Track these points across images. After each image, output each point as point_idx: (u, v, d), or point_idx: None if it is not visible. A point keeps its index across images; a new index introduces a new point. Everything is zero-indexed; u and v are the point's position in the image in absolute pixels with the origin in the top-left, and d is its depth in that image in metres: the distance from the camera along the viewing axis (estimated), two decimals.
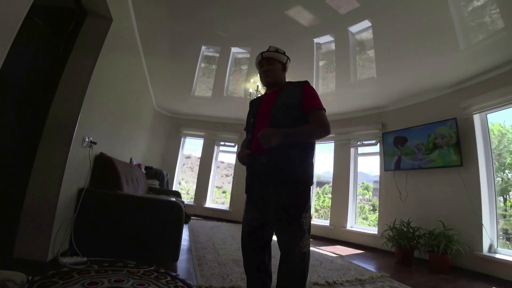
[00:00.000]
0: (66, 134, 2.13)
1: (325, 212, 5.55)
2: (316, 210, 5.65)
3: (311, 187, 1.47)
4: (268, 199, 1.40)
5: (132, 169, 3.77)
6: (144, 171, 4.83)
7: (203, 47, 4.47)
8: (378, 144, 4.53)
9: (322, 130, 1.38)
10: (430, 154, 3.54)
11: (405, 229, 3.43)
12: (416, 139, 3.74)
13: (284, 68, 1.66)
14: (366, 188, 5.63)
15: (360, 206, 5.18)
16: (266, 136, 1.29)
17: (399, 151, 3.95)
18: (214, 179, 6.42)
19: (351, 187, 4.82)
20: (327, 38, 3.75)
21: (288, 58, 1.67)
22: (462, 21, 2.70)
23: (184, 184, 7.39)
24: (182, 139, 6.54)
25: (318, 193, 5.89)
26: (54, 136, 2.10)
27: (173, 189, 6.16)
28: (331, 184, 5.38)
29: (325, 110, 1.45)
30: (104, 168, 2.69)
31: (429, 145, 3.57)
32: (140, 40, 3.48)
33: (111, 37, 2.44)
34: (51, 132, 2.09)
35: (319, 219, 5.47)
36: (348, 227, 4.69)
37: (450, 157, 3.30)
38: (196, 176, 6.43)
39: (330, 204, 5.18)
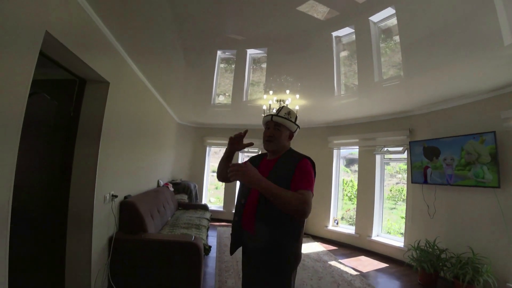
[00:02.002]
0: (88, 201, 2.35)
1: (350, 218, 5.40)
2: (342, 218, 5.52)
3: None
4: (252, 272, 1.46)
5: (158, 196, 4.01)
6: (172, 189, 5.10)
7: (219, 52, 4.40)
8: (406, 152, 4.19)
9: (300, 204, 1.20)
10: (462, 171, 3.18)
11: (430, 250, 3.23)
12: (447, 152, 3.37)
13: (291, 136, 1.60)
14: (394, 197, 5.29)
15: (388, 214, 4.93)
16: (241, 170, 1.22)
17: (429, 163, 3.62)
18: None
19: (377, 196, 4.64)
20: (346, 30, 3.43)
21: (298, 127, 1.60)
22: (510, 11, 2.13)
23: (214, 191, 7.62)
24: (207, 148, 6.70)
25: (343, 198, 5.70)
26: (79, 203, 2.34)
27: (203, 198, 6.44)
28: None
29: (312, 194, 1.32)
30: (129, 214, 2.91)
31: (461, 160, 3.20)
32: (144, 75, 3.53)
33: (113, 89, 2.57)
34: (76, 196, 2.34)
35: (344, 225, 5.39)
36: (374, 236, 4.58)
37: (484, 176, 2.93)
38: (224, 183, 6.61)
39: (355, 213, 5.06)
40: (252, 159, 1.70)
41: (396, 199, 5.05)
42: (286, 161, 1.47)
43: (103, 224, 2.58)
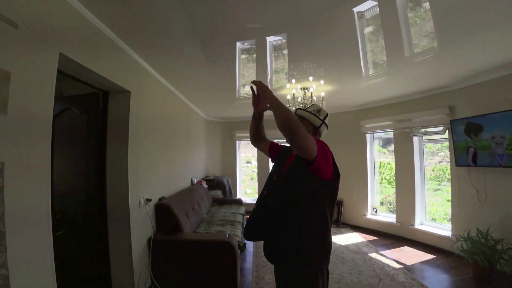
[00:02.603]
0: (123, 207, 2.48)
1: (391, 205, 5.06)
2: (382, 203, 5.20)
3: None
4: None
5: (192, 194, 4.12)
6: (206, 186, 5.22)
7: (238, 43, 4.29)
8: (446, 132, 3.77)
9: (291, 120, 1.18)
10: None
11: (483, 241, 2.89)
12: (494, 129, 2.94)
13: (315, 132, 1.51)
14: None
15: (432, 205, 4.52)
16: (262, 85, 1.35)
17: (472, 142, 3.22)
18: None
19: (418, 181, 4.28)
20: (369, 3, 3.11)
21: (324, 123, 1.50)
22: None
23: (249, 182, 7.67)
24: (237, 142, 6.73)
25: (381, 181, 5.34)
26: (116, 209, 2.48)
27: (238, 192, 6.53)
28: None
29: (314, 142, 1.24)
30: (164, 215, 3.03)
31: None
32: (166, 79, 3.56)
33: (135, 97, 2.65)
34: (112, 202, 2.49)
35: (384, 213, 5.06)
36: (417, 225, 4.25)
37: None
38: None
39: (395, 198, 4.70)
40: (287, 148, 1.64)
41: (440, 179, 4.61)
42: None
43: (141, 226, 2.70)
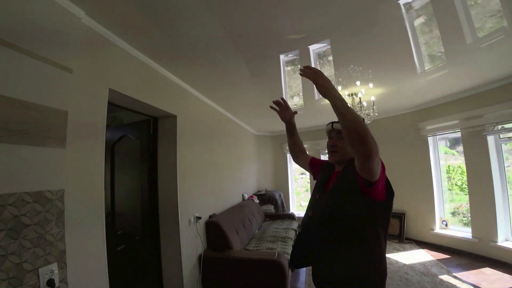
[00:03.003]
0: (173, 226, 2.62)
1: (464, 217, 4.26)
2: (453, 214, 4.42)
3: None
4: None
5: (243, 210, 4.16)
6: (257, 201, 5.22)
7: (281, 56, 4.29)
8: None
9: (360, 123, 1.00)
10: None
11: None
12: None
13: None
14: None
15: None
16: (314, 72, 1.11)
17: None
18: None
19: (498, 187, 3.55)
20: None
21: None
22: None
23: (304, 194, 7.44)
24: (288, 155, 6.64)
25: (451, 188, 4.57)
26: (167, 227, 2.64)
27: (291, 206, 6.38)
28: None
29: (379, 160, 1.09)
30: (214, 232, 3.10)
31: None
32: (212, 100, 3.73)
33: (182, 120, 2.82)
34: (164, 221, 2.65)
35: (457, 226, 4.29)
36: (501, 241, 3.48)
37: None
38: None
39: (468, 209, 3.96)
40: (328, 164, 1.53)
41: None
42: (348, 167, 1.26)
43: (191, 244, 2.82)
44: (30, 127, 1.26)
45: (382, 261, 1.18)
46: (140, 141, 2.67)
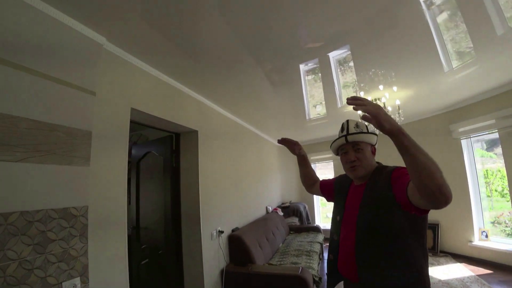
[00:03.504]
0: (196, 239, 2.63)
1: (507, 226, 3.83)
2: (493, 223, 3.99)
3: None
4: None
5: (266, 223, 4.09)
6: (281, 213, 5.13)
7: (301, 66, 4.26)
8: None
9: (441, 175, 0.83)
10: None
11: None
12: None
13: (374, 150, 1.30)
14: None
15: None
16: (375, 107, 0.88)
17: None
18: None
19: None
20: None
21: (377, 135, 1.30)
22: None
23: (330, 205, 7.20)
24: (312, 165, 6.47)
25: (490, 194, 4.14)
26: (189, 241, 2.66)
27: (316, 218, 6.18)
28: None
29: None
30: (236, 247, 3.08)
31: None
32: (234, 114, 3.78)
33: (203, 135, 2.88)
34: (187, 235, 2.67)
35: (499, 237, 3.86)
36: None
37: None
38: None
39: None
40: (341, 180, 1.47)
41: None
42: (376, 184, 1.17)
43: (213, 258, 2.81)
44: (57, 147, 1.35)
45: (427, 275, 1.08)
46: (163, 156, 2.76)
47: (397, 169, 1.12)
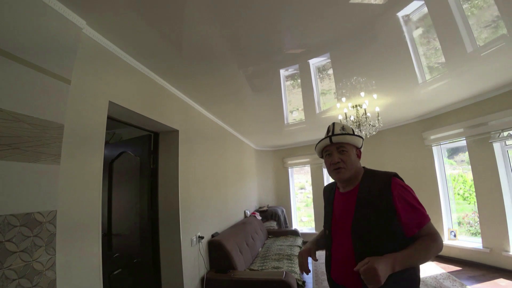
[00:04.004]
0: (175, 246, 2.45)
1: (472, 226, 4.14)
2: (458, 224, 4.27)
3: None
4: None
5: (245, 228, 3.97)
6: (259, 218, 5.04)
7: (281, 71, 4.25)
8: None
9: (438, 249, 1.03)
10: None
11: None
12: None
13: (359, 153, 1.26)
14: None
15: None
16: (373, 275, 0.91)
17: None
18: None
19: (507, 194, 3.44)
20: (414, 5, 2.78)
21: (362, 138, 1.26)
22: None
23: (304, 209, 7.27)
24: (289, 169, 6.51)
25: (455, 197, 4.45)
26: (168, 248, 2.47)
27: (293, 221, 6.18)
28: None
29: (430, 218, 1.08)
30: (217, 252, 2.94)
31: None
32: (215, 116, 3.65)
33: (184, 135, 2.72)
34: (164, 241, 2.47)
35: (466, 237, 4.14)
36: None
37: None
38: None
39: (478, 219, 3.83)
40: (326, 190, 1.41)
41: None
42: (371, 189, 1.13)
43: (194, 265, 2.64)
44: (22, 141, 1.14)
45: (419, 270, 1.11)
46: (140, 157, 2.55)
47: (395, 181, 1.09)
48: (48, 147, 1.25)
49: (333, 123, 1.26)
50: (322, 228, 1.40)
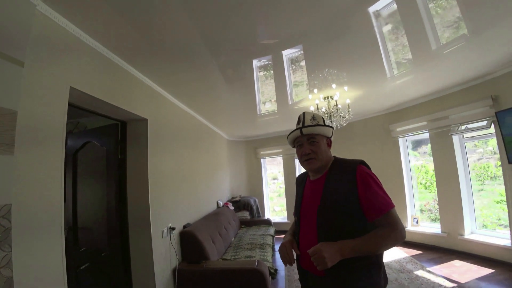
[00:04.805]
0: (145, 238, 2.39)
1: (432, 213, 4.53)
2: (420, 211, 4.66)
3: None
4: None
5: (218, 218, 3.98)
6: (232, 208, 5.07)
7: (254, 61, 4.23)
8: (492, 125, 3.36)
9: (397, 238, 1.04)
10: None
11: None
12: None
13: (329, 143, 1.30)
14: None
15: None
16: (319, 257, 0.99)
17: None
18: None
19: (463, 184, 3.80)
20: (384, 1, 2.91)
21: (332, 128, 1.30)
22: None
23: (277, 199, 7.42)
24: (262, 160, 6.57)
25: (418, 186, 4.84)
26: (138, 240, 2.40)
27: (266, 211, 6.30)
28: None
29: (394, 206, 1.09)
30: (189, 243, 2.91)
31: None
32: (185, 104, 3.56)
33: (153, 124, 2.65)
34: (134, 234, 2.41)
35: (427, 223, 4.52)
36: (467, 234, 3.72)
37: None
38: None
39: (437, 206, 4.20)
40: (298, 179, 1.46)
41: (482, 178, 3.99)
42: (338, 177, 1.17)
43: (165, 257, 2.60)
44: None
45: (382, 256, 1.18)
46: (107, 147, 2.42)
47: (361, 168, 1.14)
48: None
49: (304, 113, 1.29)
50: (292, 217, 1.44)
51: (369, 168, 1.19)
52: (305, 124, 1.24)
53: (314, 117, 1.27)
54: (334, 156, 1.29)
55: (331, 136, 1.29)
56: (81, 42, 1.71)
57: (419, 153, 5.13)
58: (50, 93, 1.46)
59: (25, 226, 1.27)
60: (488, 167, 3.91)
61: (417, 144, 5.10)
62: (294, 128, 1.29)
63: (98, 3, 1.47)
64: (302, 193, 1.32)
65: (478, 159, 4.10)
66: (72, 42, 1.65)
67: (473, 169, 3.98)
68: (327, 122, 3.60)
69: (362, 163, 1.18)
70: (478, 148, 4.13)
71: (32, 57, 1.34)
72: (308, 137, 1.23)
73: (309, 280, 1.23)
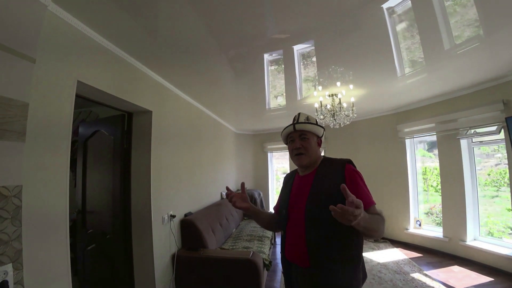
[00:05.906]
0: (146, 224, 2.55)
1: (437, 217, 4.48)
2: (426, 214, 4.63)
3: None
4: None
5: (220, 209, 4.12)
6: None
7: (266, 55, 4.24)
8: (502, 131, 3.29)
9: (383, 226, 1.12)
10: None
11: None
12: None
13: (319, 142, 1.40)
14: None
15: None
16: (356, 212, 0.93)
17: None
18: None
19: (468, 189, 3.74)
20: None
21: (323, 128, 1.39)
22: None
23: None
24: (269, 154, 6.65)
25: (427, 189, 4.77)
26: (139, 225, 2.57)
27: (270, 206, 6.40)
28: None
29: (375, 203, 1.19)
30: (188, 231, 3.06)
31: None
32: (191, 96, 3.66)
33: (158, 116, 2.78)
34: (137, 219, 2.57)
35: (430, 226, 4.49)
36: (469, 241, 3.69)
37: None
38: None
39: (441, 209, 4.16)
40: (287, 175, 1.56)
41: (498, 184, 3.87)
42: (327, 173, 1.26)
43: (164, 243, 2.75)
44: None
45: (362, 249, 1.24)
46: (114, 137, 2.57)
47: (349, 167, 1.22)
48: (12, 125, 1.28)
49: (299, 113, 1.40)
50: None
51: (355, 167, 1.27)
52: (299, 121, 1.35)
53: (308, 118, 1.37)
54: (323, 156, 1.39)
55: (321, 136, 1.38)
56: (88, 39, 1.84)
57: (434, 154, 4.99)
58: (59, 87, 1.60)
59: (34, 206, 1.42)
60: (505, 173, 3.79)
61: (433, 146, 4.96)
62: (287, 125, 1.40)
63: (106, 4, 1.58)
64: (291, 187, 1.41)
65: (496, 164, 3.98)
66: (79, 39, 1.77)
67: (489, 174, 3.90)
68: (331, 120, 3.63)
69: (349, 162, 1.27)
70: (497, 153, 4.00)
71: (43, 53, 1.47)
72: (300, 133, 1.33)
73: (292, 272, 1.31)
